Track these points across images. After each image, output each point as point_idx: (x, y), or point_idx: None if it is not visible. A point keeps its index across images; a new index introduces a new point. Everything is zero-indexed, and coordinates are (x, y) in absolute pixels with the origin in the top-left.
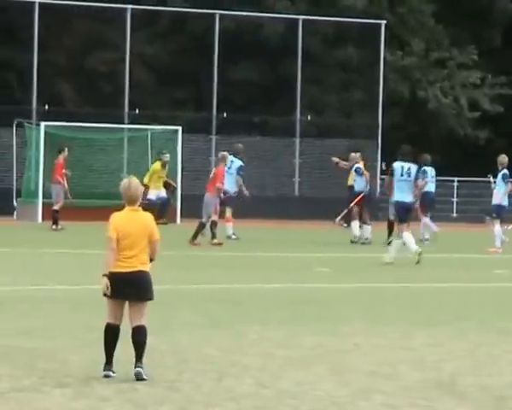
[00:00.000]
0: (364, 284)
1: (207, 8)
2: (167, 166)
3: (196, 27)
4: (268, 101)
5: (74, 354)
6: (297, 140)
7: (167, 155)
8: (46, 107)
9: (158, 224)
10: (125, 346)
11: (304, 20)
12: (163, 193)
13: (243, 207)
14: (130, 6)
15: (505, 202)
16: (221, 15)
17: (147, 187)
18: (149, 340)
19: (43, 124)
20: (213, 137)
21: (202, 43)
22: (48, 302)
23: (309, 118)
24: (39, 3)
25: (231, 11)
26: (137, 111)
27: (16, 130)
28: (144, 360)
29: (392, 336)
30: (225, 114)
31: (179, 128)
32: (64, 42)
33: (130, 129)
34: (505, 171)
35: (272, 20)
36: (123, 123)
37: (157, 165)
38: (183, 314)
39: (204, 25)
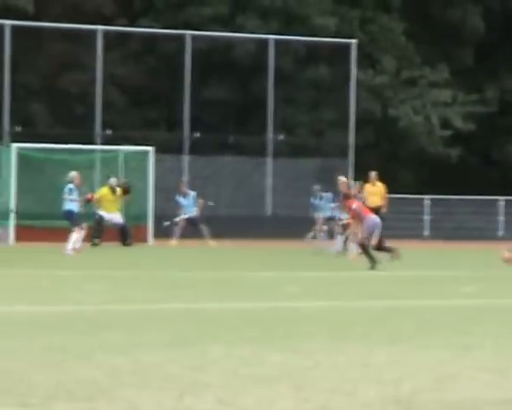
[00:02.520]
0: (332, 301)
1: (178, 29)
2: (118, 190)
3: (167, 48)
4: (240, 120)
5: (36, 375)
6: (269, 159)
7: (113, 179)
8: (18, 128)
9: (95, 244)
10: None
11: (275, 40)
12: (117, 218)
13: (216, 226)
14: (101, 27)
15: None
16: (192, 36)
17: (89, 200)
18: (113, 361)
19: (14, 145)
20: (186, 157)
21: (174, 63)
22: (10, 323)
23: (281, 137)
24: (11, 25)
25: (202, 31)
26: (110, 132)
27: None
28: (106, 379)
29: (354, 353)
30: (198, 134)
31: (151, 148)
32: (36, 63)
33: (102, 150)
34: None
35: (243, 39)
36: (95, 144)
37: (104, 190)
38: (147, 334)
39: (175, 45)
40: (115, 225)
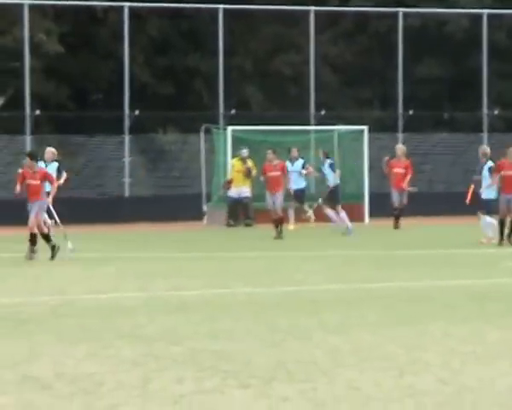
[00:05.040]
0: None
1: (390, 7)
2: (249, 162)
3: (380, 26)
4: (454, 96)
5: (258, 356)
6: (484, 135)
7: (244, 151)
8: (233, 111)
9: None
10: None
11: (488, 14)
12: (245, 192)
13: (427, 203)
14: (312, 8)
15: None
16: (404, 13)
17: (229, 182)
18: (332, 341)
19: (229, 128)
20: (400, 135)
21: (386, 41)
22: (234, 305)
23: (496, 112)
24: (223, 9)
25: (414, 8)
26: (323, 112)
27: (204, 135)
28: (326, 360)
29: None
30: (411, 112)
31: (365, 127)
32: (249, 46)
33: (316, 130)
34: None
35: (456, 15)
36: (309, 124)
37: (234, 161)
38: (365, 314)
39: (387, 23)
40: (242, 200)
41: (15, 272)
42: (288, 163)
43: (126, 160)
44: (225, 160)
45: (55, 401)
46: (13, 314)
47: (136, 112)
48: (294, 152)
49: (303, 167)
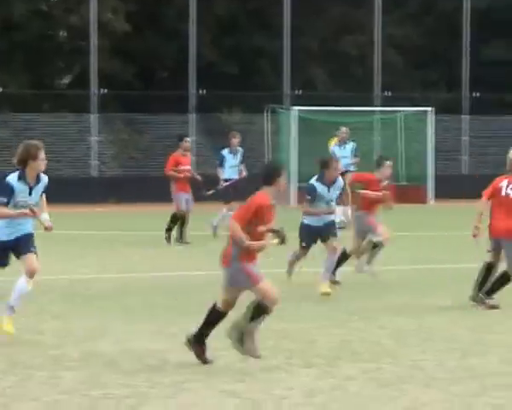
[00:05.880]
0: None
1: None
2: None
3: (446, 7)
4: None
5: (322, 336)
6: None
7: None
8: (298, 91)
9: None
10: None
11: None
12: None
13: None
14: None
15: None
16: None
17: None
18: (397, 322)
19: (295, 108)
20: (465, 117)
21: (452, 22)
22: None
23: None
24: None
25: None
26: (389, 93)
27: (269, 115)
28: (390, 340)
29: None
30: (478, 94)
31: (430, 109)
32: (315, 26)
33: (381, 111)
34: None
35: None
36: (374, 105)
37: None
38: (430, 296)
39: (453, 4)
40: None
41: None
42: (335, 147)
43: (190, 139)
44: (290, 140)
45: (120, 377)
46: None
47: (201, 91)
48: (344, 133)
49: (355, 155)
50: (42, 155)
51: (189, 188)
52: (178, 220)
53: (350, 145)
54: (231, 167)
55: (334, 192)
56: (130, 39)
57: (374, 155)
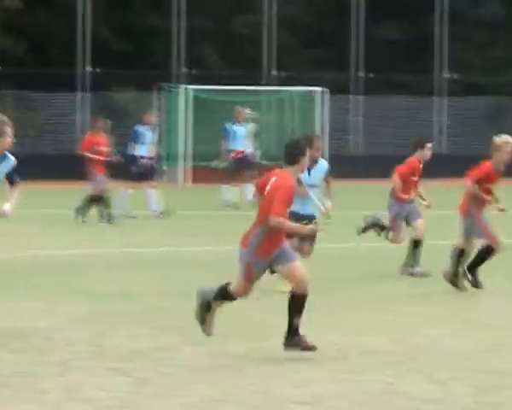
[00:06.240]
0: None
1: None
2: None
3: None
4: (411, 59)
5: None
6: (442, 98)
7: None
8: (187, 70)
9: None
10: None
11: None
12: None
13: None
14: None
15: None
16: None
17: None
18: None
19: (182, 87)
20: (357, 97)
21: (343, 2)
22: (184, 265)
23: (455, 76)
24: None
25: None
26: (280, 73)
27: (160, 94)
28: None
29: None
30: (369, 74)
31: (320, 89)
32: (208, 6)
33: (272, 91)
34: None
35: None
36: (266, 85)
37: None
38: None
39: None
40: None
41: None
42: (233, 126)
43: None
44: (184, 118)
45: (9, 356)
46: None
47: (92, 69)
48: (244, 113)
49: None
50: (9, 130)
51: (104, 169)
52: (96, 201)
53: (249, 126)
54: (148, 144)
55: (318, 176)
56: (22, 16)
57: (264, 134)
